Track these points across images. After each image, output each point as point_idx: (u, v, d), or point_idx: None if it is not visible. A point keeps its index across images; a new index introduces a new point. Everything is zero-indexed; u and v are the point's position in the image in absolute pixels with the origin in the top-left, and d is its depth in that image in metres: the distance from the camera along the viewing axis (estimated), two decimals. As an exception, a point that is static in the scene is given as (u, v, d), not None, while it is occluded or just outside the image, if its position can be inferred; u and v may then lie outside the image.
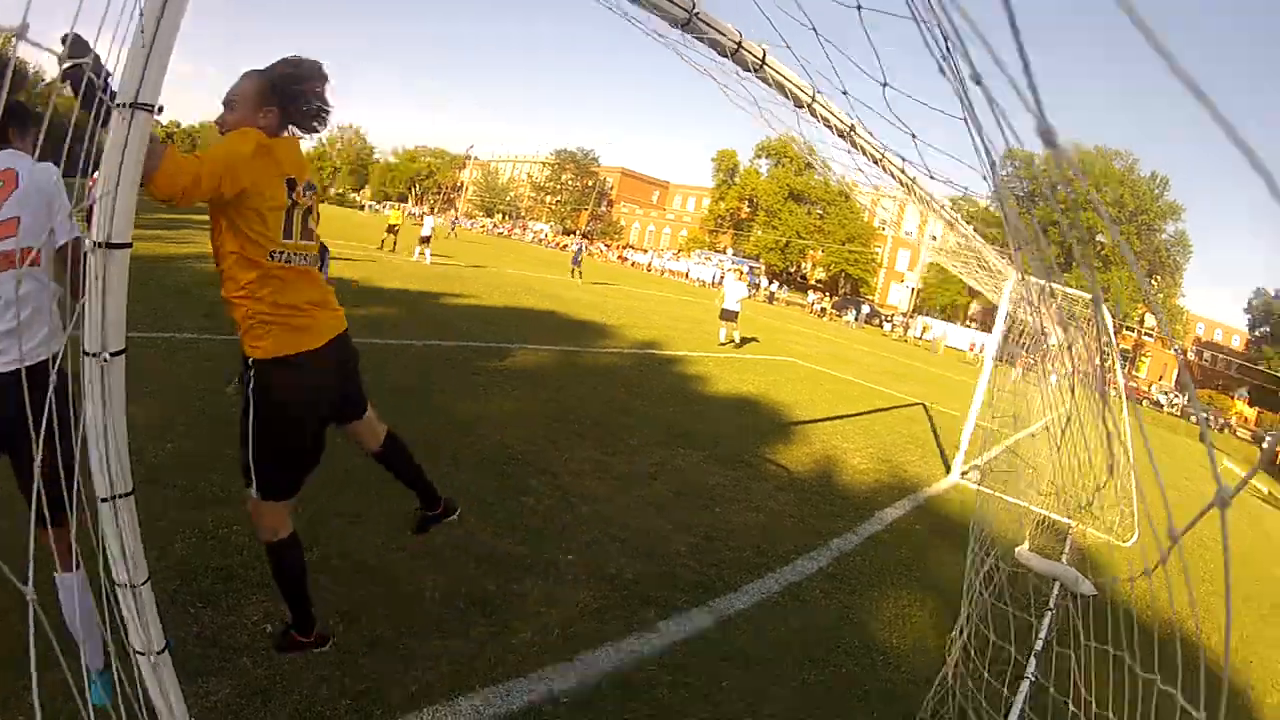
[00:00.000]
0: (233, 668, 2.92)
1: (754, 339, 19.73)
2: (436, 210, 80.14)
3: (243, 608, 3.33)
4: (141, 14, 1.25)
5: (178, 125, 78.07)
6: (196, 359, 6.86)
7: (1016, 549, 6.50)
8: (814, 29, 2.14)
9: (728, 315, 16.81)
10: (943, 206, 5.80)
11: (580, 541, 4.80)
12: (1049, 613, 5.18)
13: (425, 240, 22.84)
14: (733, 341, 16.87)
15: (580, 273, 29.07)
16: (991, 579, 5.09)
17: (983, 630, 3.90)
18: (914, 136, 2.99)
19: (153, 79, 1.30)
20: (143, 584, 1.47)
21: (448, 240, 34.58)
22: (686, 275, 53.55)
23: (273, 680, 2.90)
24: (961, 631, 3.92)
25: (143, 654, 1.47)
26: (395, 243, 24.14)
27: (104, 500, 1.41)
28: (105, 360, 1.35)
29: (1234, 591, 7.22)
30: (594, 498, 5.60)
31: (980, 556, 4.62)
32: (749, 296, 18.29)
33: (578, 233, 64.64)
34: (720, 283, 18.45)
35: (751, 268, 54.85)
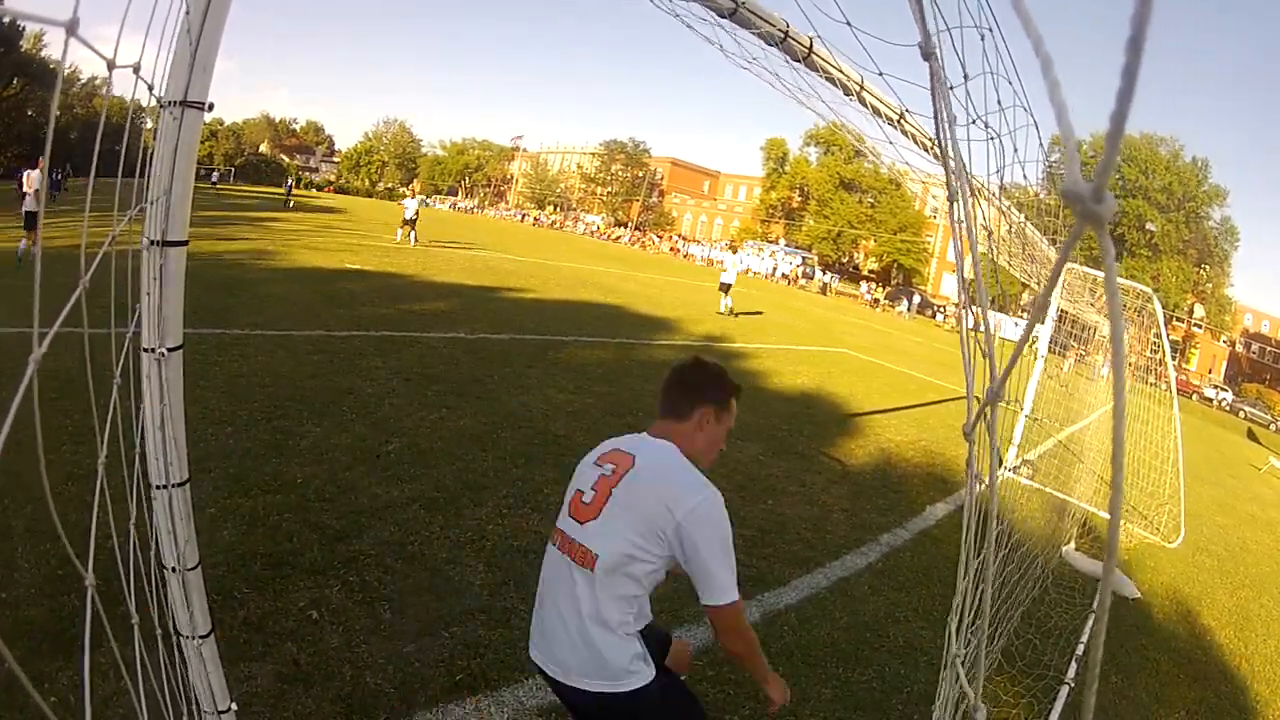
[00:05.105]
0: (276, 653, 2.98)
1: (759, 312, 21.44)
2: (485, 202, 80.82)
3: (289, 594, 3.40)
4: (188, 10, 1.26)
5: (221, 123, 78.15)
6: (246, 354, 7.05)
7: (1063, 548, 6.31)
8: (847, 22, 2.07)
9: (724, 287, 19.51)
10: (994, 194, 5.63)
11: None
12: (1091, 615, 5.00)
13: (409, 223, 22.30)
14: (730, 312, 19.10)
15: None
16: (1036, 577, 4.95)
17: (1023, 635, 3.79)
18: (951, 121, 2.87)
19: (201, 76, 1.32)
20: (191, 569, 1.50)
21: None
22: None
23: (315, 667, 2.95)
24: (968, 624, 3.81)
25: (186, 637, 1.49)
26: (410, 233, 22.57)
27: (159, 488, 1.44)
28: (162, 355, 1.37)
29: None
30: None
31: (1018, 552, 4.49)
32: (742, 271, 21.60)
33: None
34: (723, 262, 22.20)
35: (805, 258, 54.57)
